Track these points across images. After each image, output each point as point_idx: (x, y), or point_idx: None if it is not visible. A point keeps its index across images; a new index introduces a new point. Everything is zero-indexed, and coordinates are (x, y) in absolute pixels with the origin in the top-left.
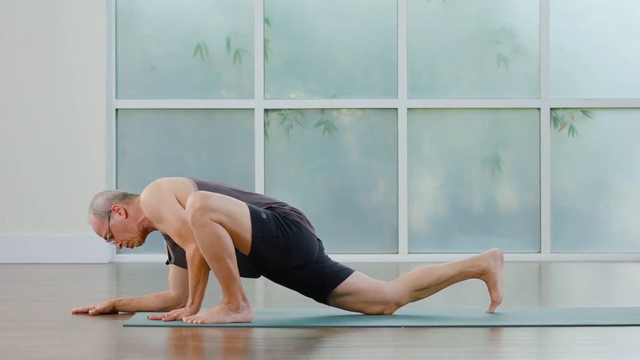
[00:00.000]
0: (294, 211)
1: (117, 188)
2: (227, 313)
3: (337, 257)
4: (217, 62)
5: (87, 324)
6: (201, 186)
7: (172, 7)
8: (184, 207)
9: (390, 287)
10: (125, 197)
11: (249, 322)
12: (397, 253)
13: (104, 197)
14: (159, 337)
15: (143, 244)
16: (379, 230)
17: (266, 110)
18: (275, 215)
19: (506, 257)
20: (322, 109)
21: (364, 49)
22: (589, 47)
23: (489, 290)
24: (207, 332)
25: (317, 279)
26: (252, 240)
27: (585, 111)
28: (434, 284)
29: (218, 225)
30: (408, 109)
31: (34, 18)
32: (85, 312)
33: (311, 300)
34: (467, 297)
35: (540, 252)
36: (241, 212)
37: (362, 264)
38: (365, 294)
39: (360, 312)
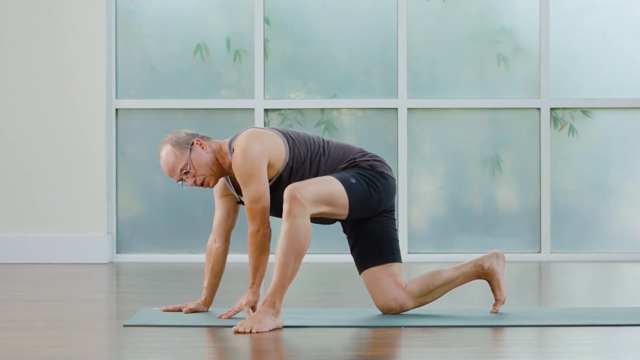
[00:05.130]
0: (376, 160)
1: (116, 187)
2: (273, 319)
3: (337, 257)
4: (217, 62)
5: (87, 324)
6: (291, 145)
7: (172, 7)
8: (273, 167)
9: (403, 292)
10: (203, 136)
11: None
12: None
13: (184, 132)
14: (159, 337)
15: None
16: None
17: (266, 110)
18: (361, 174)
19: (506, 257)
20: (322, 109)
21: (364, 49)
22: (589, 47)
23: (492, 289)
24: (206, 332)
25: (382, 243)
26: (350, 209)
27: (585, 111)
28: (438, 288)
29: (310, 223)
30: (408, 109)
31: (34, 18)
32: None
33: (311, 300)
34: (468, 297)
35: (540, 252)
36: (336, 189)
37: None
38: (388, 288)
39: (372, 295)
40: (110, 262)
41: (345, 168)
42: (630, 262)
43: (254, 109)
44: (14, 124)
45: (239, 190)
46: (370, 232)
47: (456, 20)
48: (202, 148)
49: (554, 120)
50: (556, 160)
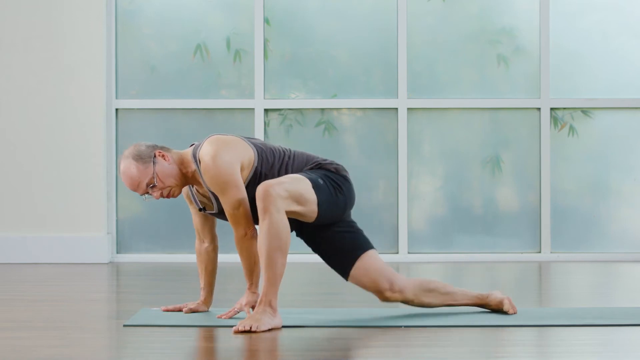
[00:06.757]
0: (338, 164)
1: (116, 187)
2: (271, 317)
3: None
4: (217, 62)
5: (87, 324)
6: (259, 150)
7: (172, 7)
8: (243, 172)
9: (397, 276)
10: (162, 147)
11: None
12: (397, 253)
13: (144, 144)
14: (159, 337)
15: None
16: (379, 230)
17: (266, 110)
18: (328, 176)
19: (506, 257)
20: (322, 109)
21: (364, 49)
22: (589, 47)
23: (497, 310)
24: (206, 332)
25: (354, 235)
26: (319, 210)
27: (585, 111)
28: (436, 291)
29: (286, 217)
30: (408, 109)
31: (34, 18)
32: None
33: (311, 300)
34: None
35: (540, 252)
36: (305, 188)
37: None
38: (381, 269)
39: (370, 286)
40: (110, 262)
41: (311, 169)
42: (630, 262)
43: (254, 109)
44: (14, 124)
45: (203, 198)
46: (340, 233)
47: (456, 20)
48: (165, 159)
49: (554, 120)
50: (556, 160)
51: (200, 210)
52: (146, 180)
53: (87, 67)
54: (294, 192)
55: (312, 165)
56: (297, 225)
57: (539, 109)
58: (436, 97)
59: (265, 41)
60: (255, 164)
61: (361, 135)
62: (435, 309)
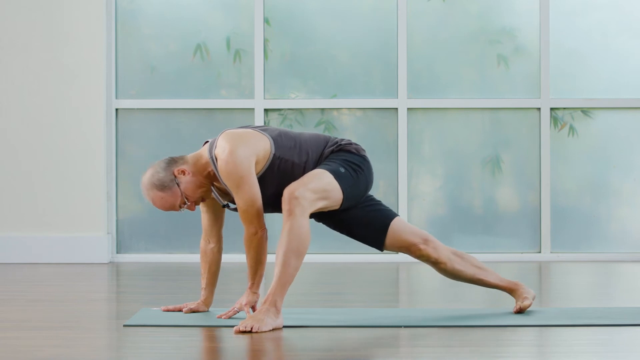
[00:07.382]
0: (357, 144)
1: (116, 187)
2: (273, 318)
3: (337, 257)
4: (217, 62)
5: (87, 324)
6: (275, 137)
7: (172, 6)
8: (260, 162)
9: (434, 238)
10: (177, 160)
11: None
12: (397, 253)
13: (160, 169)
14: (159, 337)
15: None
16: None
17: (266, 110)
18: (347, 161)
19: (506, 257)
20: (322, 109)
21: (364, 49)
22: (589, 47)
23: (517, 299)
24: (206, 332)
25: (377, 206)
26: (343, 198)
27: (585, 111)
28: (471, 263)
29: (309, 222)
30: (408, 109)
31: (34, 18)
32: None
33: (311, 300)
34: (468, 297)
35: (540, 252)
36: (328, 182)
37: (362, 264)
38: (414, 230)
39: (404, 246)
40: (110, 262)
41: (332, 152)
42: (630, 262)
43: (254, 109)
44: (14, 124)
45: (224, 194)
46: (364, 208)
47: (456, 20)
48: (185, 174)
49: (554, 120)
50: (556, 160)
51: (223, 207)
52: (178, 202)
53: (87, 67)
54: (318, 189)
55: (332, 147)
56: (317, 212)
57: (539, 109)
58: (436, 97)
59: (265, 41)
60: (273, 151)
61: (361, 135)
62: (436, 310)
